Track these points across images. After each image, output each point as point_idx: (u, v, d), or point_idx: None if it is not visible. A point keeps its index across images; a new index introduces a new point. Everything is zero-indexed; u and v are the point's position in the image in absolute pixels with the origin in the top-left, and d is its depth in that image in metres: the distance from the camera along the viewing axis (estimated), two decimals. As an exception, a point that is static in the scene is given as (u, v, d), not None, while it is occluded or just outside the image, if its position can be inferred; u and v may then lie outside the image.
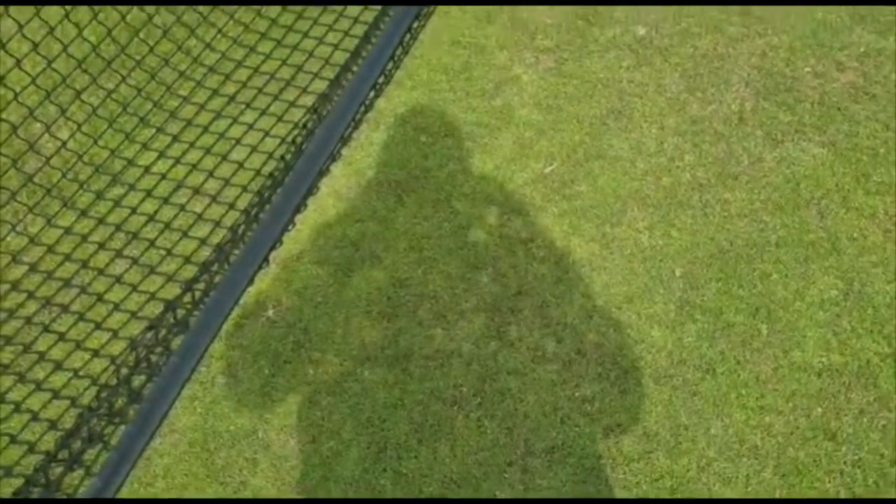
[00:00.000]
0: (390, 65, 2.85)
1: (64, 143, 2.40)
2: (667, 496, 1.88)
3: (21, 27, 1.98)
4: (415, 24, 2.79)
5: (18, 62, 1.99)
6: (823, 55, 2.59)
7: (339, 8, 2.77)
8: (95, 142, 2.39)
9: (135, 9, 2.41)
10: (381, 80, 2.81)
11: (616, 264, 2.21)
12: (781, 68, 2.57)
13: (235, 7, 2.69)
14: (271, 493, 1.94)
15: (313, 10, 2.77)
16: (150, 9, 2.44)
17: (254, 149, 2.48)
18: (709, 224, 2.28)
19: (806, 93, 2.52)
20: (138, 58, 2.48)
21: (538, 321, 2.11)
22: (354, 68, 2.72)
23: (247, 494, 1.95)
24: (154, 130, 2.47)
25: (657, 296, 2.16)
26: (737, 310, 2.13)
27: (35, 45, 2.04)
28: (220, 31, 2.71)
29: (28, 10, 2.00)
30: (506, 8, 2.72)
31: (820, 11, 2.68)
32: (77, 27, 2.16)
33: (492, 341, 2.08)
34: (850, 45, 2.61)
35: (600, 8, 2.71)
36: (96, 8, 2.22)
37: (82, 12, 2.18)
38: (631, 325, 2.11)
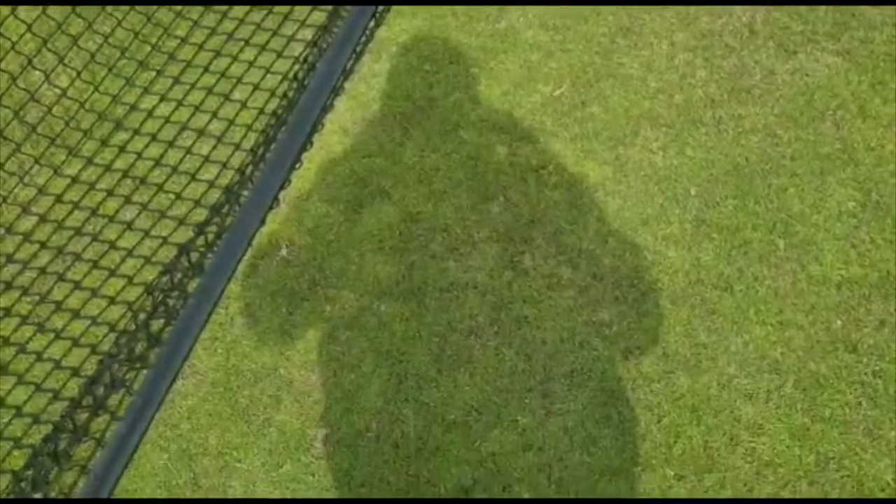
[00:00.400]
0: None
1: (64, 92, 2.37)
2: (688, 414, 1.89)
3: (9, -28, 1.92)
4: None
5: (13, 10, 1.94)
6: (837, -41, 2.50)
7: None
8: (96, 88, 2.35)
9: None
10: (380, 8, 2.74)
11: (630, 186, 2.18)
12: (794, -25, 2.48)
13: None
14: (295, 428, 1.97)
15: (307, -61, 2.69)
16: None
17: (256, 87, 2.43)
18: (723, 141, 2.24)
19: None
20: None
21: (552, 248, 2.09)
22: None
23: (271, 431, 1.98)
24: (154, 73, 2.43)
25: (673, 216, 2.13)
26: (753, 226, 2.10)
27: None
28: (213, -34, 2.63)
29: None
30: (506, -74, 2.62)
31: (833, -88, 2.57)
32: (66, -31, 2.10)
33: (506, 271, 2.07)
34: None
35: (604, -79, 2.61)
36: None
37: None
38: (647, 247, 2.09)
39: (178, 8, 2.51)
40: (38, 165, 2.23)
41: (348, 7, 2.74)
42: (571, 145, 2.26)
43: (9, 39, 2.04)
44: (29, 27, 2.02)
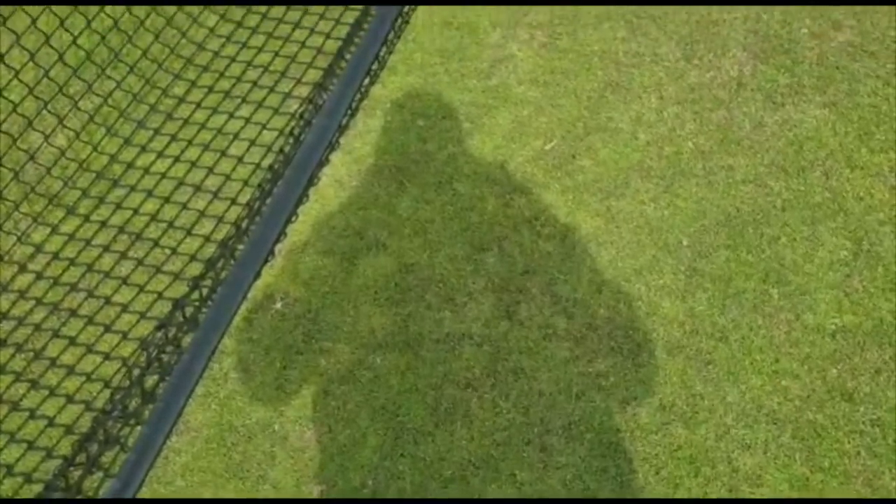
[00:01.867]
0: (383, 50, 2.82)
1: (63, 153, 2.39)
2: (686, 466, 1.88)
3: (18, 37, 1.96)
4: (406, 9, 2.76)
5: (16, 73, 1.98)
6: (819, 15, 2.56)
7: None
8: (95, 149, 2.38)
9: (126, 14, 2.39)
10: (374, 66, 2.79)
11: (623, 237, 2.19)
12: (777, 30, 2.54)
13: (225, 7, 2.68)
14: (290, 485, 1.95)
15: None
16: (141, 12, 2.43)
17: (252, 142, 2.47)
18: (714, 191, 2.26)
19: (804, 54, 2.49)
20: (131, 62, 2.47)
21: (547, 299, 2.10)
22: (347, 56, 2.70)
23: (266, 488, 1.95)
24: (151, 132, 2.46)
25: (666, 266, 2.15)
26: (746, 276, 2.12)
27: (32, 56, 2.03)
28: (211, 30, 2.69)
29: (23, 20, 1.98)
30: (496, -14, 2.70)
31: (814, -30, 2.65)
32: (70, 34, 2.15)
33: (502, 321, 2.07)
34: (845, 3, 2.58)
35: (592, -20, 2.69)
36: (90, 13, 2.20)
37: (78, 19, 2.16)
38: (641, 298, 2.10)
39: (176, 67, 2.56)
40: (36, 224, 2.24)
41: (343, 64, 2.79)
42: (563, 197, 2.28)
43: (11, 102, 2.07)
44: (31, 90, 2.05)
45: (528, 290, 2.12)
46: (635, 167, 2.32)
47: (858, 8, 2.57)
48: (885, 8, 2.55)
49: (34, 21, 1.81)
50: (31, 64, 2.06)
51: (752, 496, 1.84)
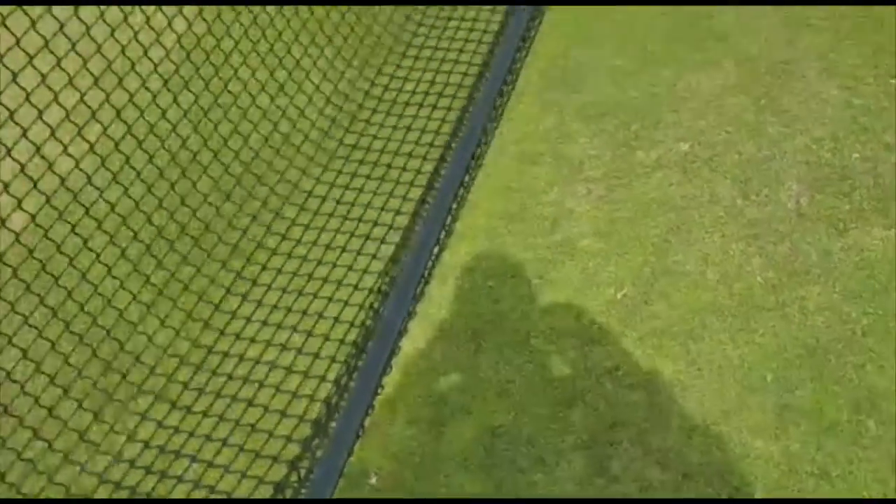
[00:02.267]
0: (449, 219, 2.98)
1: (165, 350, 2.56)
2: None
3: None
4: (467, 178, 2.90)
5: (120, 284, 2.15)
6: (869, 139, 2.63)
7: (391, 180, 2.93)
8: (193, 343, 2.55)
9: (212, 224, 2.61)
10: (442, 234, 2.94)
11: (706, 380, 2.20)
12: (829, 159, 2.61)
13: (299, 208, 2.87)
14: None
15: (371, 184, 2.95)
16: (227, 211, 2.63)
17: (336, 319, 2.60)
18: (790, 324, 2.27)
19: (859, 179, 2.54)
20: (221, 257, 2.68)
21: (639, 450, 2.09)
22: (417, 229, 2.86)
23: None
24: (244, 322, 2.63)
25: (753, 405, 2.13)
26: (837, 407, 2.08)
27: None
28: (292, 220, 2.90)
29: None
30: (548, 148, 2.86)
31: (855, 98, 2.74)
32: (167, 239, 2.36)
33: (595, 479, 2.07)
34: (893, 125, 2.65)
35: (641, 132, 2.83)
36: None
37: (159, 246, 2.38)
38: (733, 440, 2.08)
39: (262, 258, 2.74)
40: (143, 419, 2.37)
41: (413, 237, 2.93)
42: (641, 344, 2.32)
43: (117, 309, 2.25)
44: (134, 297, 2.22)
45: (619, 443, 2.12)
46: (708, 307, 2.35)
47: (907, 127, 2.64)
48: (935, 124, 2.61)
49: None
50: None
51: None
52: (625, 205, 2.65)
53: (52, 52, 1.85)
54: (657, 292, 2.42)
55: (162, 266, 2.46)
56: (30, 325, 2.03)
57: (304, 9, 2.89)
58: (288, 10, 2.86)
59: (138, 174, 2.31)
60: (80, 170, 1.99)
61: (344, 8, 3.14)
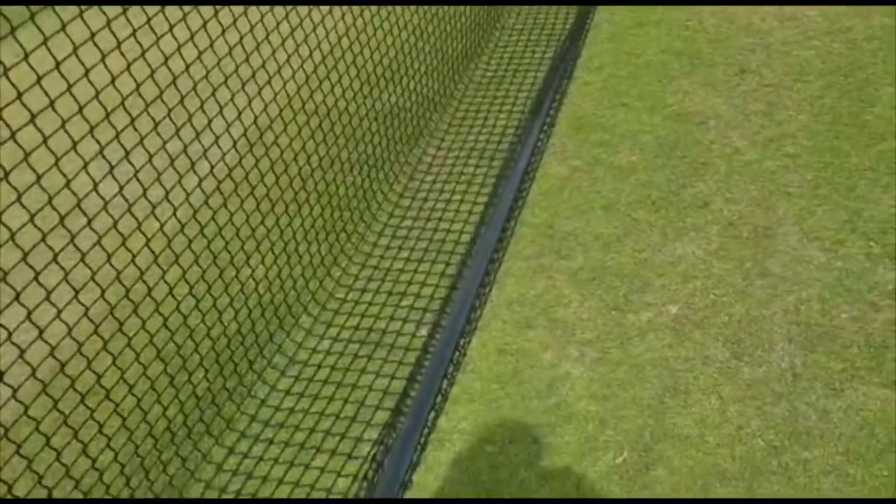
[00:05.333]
0: (444, 384, 2.96)
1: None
2: None
3: (91, 412, 2.14)
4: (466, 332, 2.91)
5: (85, 447, 2.12)
6: (855, 299, 2.68)
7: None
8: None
9: (202, 381, 2.60)
10: (437, 399, 2.92)
11: (713, 549, 2.11)
12: (818, 319, 2.65)
13: (288, 362, 2.88)
14: None
15: (366, 348, 2.97)
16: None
17: (328, 491, 2.53)
18: (795, 486, 2.21)
19: (850, 338, 2.57)
20: (214, 430, 2.64)
21: None
22: (412, 393, 2.84)
23: None
24: (233, 495, 2.54)
25: (765, 576, 2.04)
26: (854, 577, 1.99)
27: (109, 440, 2.20)
28: (287, 392, 2.88)
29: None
30: (541, 312, 2.89)
31: (838, 261, 2.82)
32: (137, 398, 2.34)
33: None
34: (877, 285, 2.71)
35: (631, 296, 2.88)
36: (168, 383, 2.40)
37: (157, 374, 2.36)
38: None
39: (255, 429, 2.70)
40: None
41: (408, 402, 2.92)
42: (644, 511, 2.24)
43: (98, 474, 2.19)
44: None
45: None
46: (711, 471, 2.30)
47: (891, 286, 2.69)
48: (917, 284, 2.67)
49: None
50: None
51: None
52: (619, 367, 2.66)
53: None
54: (657, 456, 2.37)
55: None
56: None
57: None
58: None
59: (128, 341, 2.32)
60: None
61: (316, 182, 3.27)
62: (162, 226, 2.33)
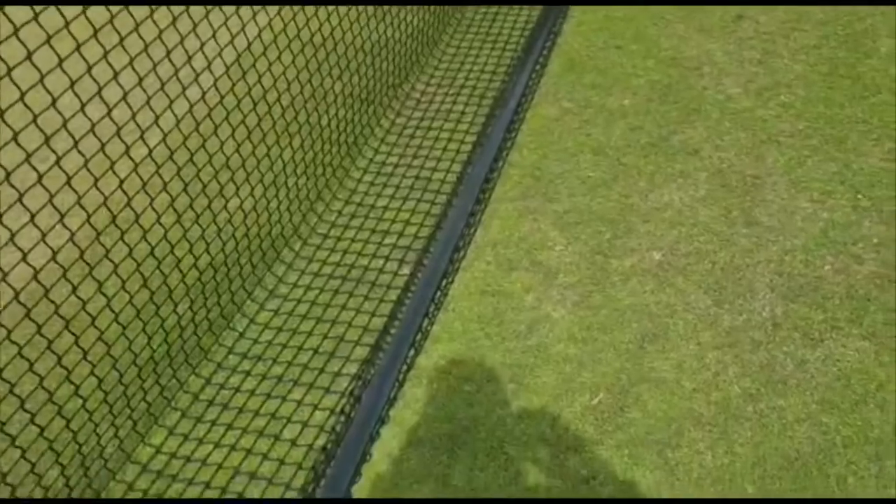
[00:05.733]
0: (425, 322, 2.96)
1: (129, 456, 2.46)
2: None
3: (76, 338, 2.12)
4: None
5: (69, 373, 2.11)
6: (839, 251, 2.68)
7: (369, 280, 2.92)
8: (157, 450, 2.45)
9: (172, 313, 2.57)
10: (418, 337, 2.91)
11: (685, 490, 2.13)
12: (802, 270, 2.64)
13: (268, 295, 2.86)
14: None
15: (348, 284, 2.95)
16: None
17: (305, 424, 2.53)
18: (769, 434, 2.23)
19: (832, 289, 2.57)
20: (191, 360, 2.62)
21: (616, 564, 2.00)
22: (392, 331, 2.83)
23: None
24: (209, 425, 2.54)
25: (734, 518, 2.06)
26: (821, 521, 2.02)
27: (93, 367, 2.18)
28: (265, 326, 2.86)
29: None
30: (525, 254, 2.87)
31: (824, 212, 2.81)
32: (127, 338, 2.31)
33: None
34: (862, 238, 2.70)
35: (615, 241, 2.86)
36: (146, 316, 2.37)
37: (136, 325, 2.34)
38: (714, 555, 2.00)
39: (233, 361, 2.68)
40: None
41: (388, 339, 2.90)
42: (618, 452, 2.26)
43: (66, 420, 2.17)
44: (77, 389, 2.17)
45: (595, 557, 2.03)
46: (686, 415, 2.31)
47: (876, 240, 2.68)
48: (902, 238, 2.66)
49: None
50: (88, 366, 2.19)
51: None
52: (600, 311, 2.65)
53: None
54: (633, 399, 2.38)
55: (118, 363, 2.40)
56: None
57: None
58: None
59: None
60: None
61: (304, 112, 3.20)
62: (151, 151, 2.26)
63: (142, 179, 2.22)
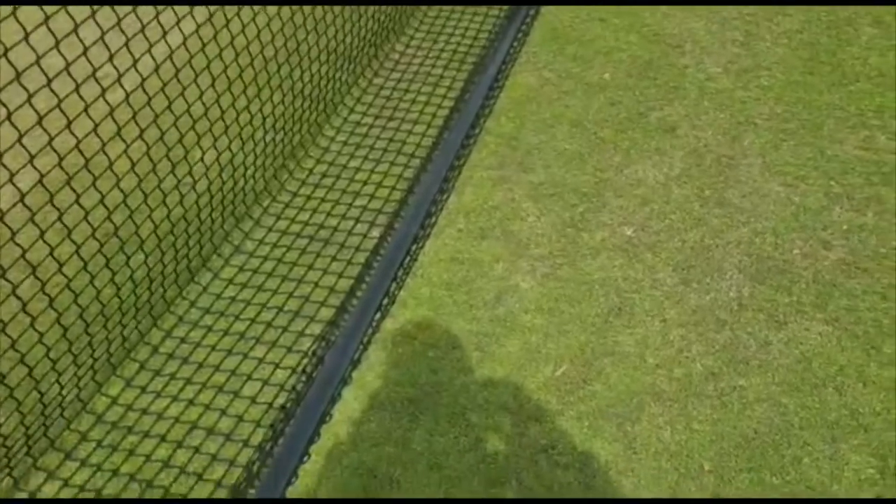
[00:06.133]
0: (393, 286, 2.92)
1: (85, 405, 2.41)
2: None
3: (42, 285, 2.06)
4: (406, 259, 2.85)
5: (34, 320, 2.05)
6: (808, 236, 2.69)
7: (342, 234, 2.89)
8: (114, 401, 2.40)
9: (143, 264, 2.52)
10: (385, 301, 2.87)
11: (642, 464, 2.15)
12: (770, 252, 2.66)
13: (243, 262, 2.82)
14: None
15: (315, 244, 2.91)
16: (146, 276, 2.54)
17: (265, 382, 2.50)
18: (728, 413, 2.25)
19: (799, 273, 2.58)
20: (154, 313, 2.56)
21: (570, 534, 2.02)
22: (359, 294, 2.79)
23: None
24: (167, 378, 2.50)
25: (689, 494, 2.08)
26: (774, 500, 2.05)
27: (51, 300, 2.12)
28: (229, 281, 2.82)
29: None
30: (497, 223, 2.85)
31: (796, 197, 2.82)
32: (94, 285, 2.26)
33: (524, 561, 1.97)
34: (832, 224, 2.72)
35: (588, 214, 2.85)
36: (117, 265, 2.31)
37: (105, 274, 2.28)
38: (667, 528, 2.02)
39: (194, 315, 2.64)
40: (49, 477, 2.21)
41: (354, 301, 2.86)
42: (578, 423, 2.26)
43: (21, 357, 2.12)
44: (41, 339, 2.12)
45: (550, 525, 2.04)
46: (648, 390, 2.32)
47: (846, 227, 2.70)
48: (870, 226, 2.68)
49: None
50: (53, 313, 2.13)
51: None
52: (568, 283, 2.64)
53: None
54: (596, 372, 2.38)
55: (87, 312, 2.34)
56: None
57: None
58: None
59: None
60: None
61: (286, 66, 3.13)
62: (128, 96, 2.19)
63: (118, 124, 2.15)
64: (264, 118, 2.98)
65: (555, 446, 2.21)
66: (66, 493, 2.16)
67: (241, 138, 2.88)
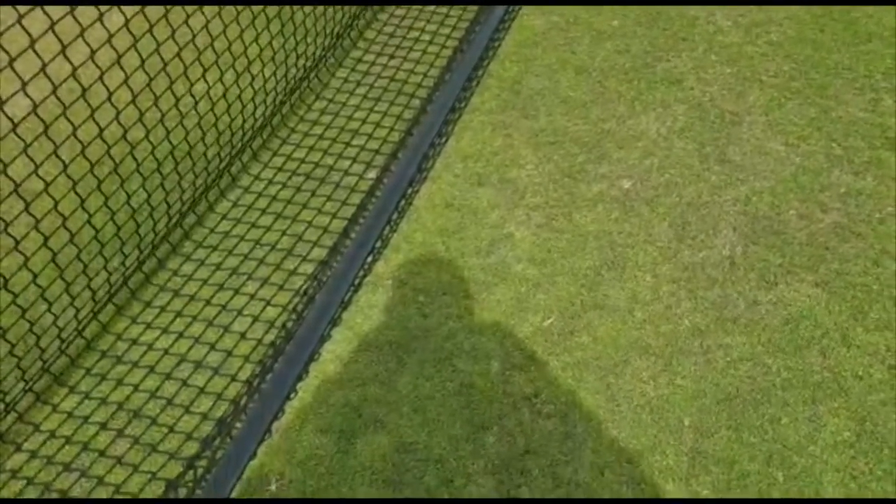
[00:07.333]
0: (387, 229, 2.92)
1: (80, 332, 2.42)
2: None
3: (37, 221, 2.05)
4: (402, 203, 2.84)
5: (27, 260, 2.05)
6: (806, 197, 2.68)
7: (332, 183, 2.88)
8: (104, 328, 2.42)
9: (140, 189, 2.51)
10: (378, 244, 2.87)
11: (624, 416, 2.18)
12: (767, 212, 2.64)
13: (238, 196, 2.80)
14: None
15: (311, 183, 2.89)
16: (146, 203, 2.53)
17: (255, 318, 2.52)
18: (712, 370, 2.27)
19: (793, 234, 2.58)
20: (145, 242, 2.56)
21: (549, 481, 2.05)
22: (352, 235, 2.78)
23: None
24: (158, 310, 2.51)
25: (668, 447, 2.12)
26: (750, 458, 2.08)
27: (46, 239, 2.11)
28: (223, 216, 2.81)
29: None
30: (495, 170, 2.83)
31: (797, 157, 2.79)
32: (86, 212, 2.25)
33: (502, 505, 2.02)
34: (830, 187, 2.70)
35: (587, 165, 2.82)
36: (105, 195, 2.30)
37: (97, 198, 2.27)
38: (644, 480, 2.05)
39: (188, 248, 2.64)
40: (39, 402, 2.24)
41: (347, 242, 2.86)
42: (563, 374, 2.29)
43: (12, 293, 2.13)
44: (34, 278, 2.11)
45: (530, 472, 2.08)
46: (633, 345, 2.34)
47: (844, 190, 2.68)
48: (868, 191, 2.66)
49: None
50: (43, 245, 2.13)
51: None
52: (562, 235, 2.64)
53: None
54: (584, 324, 2.40)
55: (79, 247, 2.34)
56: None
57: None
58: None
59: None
60: (-1, 129, 1.88)
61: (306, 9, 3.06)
62: (128, 21, 2.14)
63: (117, 52, 2.11)
64: (263, 48, 2.93)
65: (539, 395, 2.24)
66: (55, 420, 2.19)
67: (240, 70, 2.84)
